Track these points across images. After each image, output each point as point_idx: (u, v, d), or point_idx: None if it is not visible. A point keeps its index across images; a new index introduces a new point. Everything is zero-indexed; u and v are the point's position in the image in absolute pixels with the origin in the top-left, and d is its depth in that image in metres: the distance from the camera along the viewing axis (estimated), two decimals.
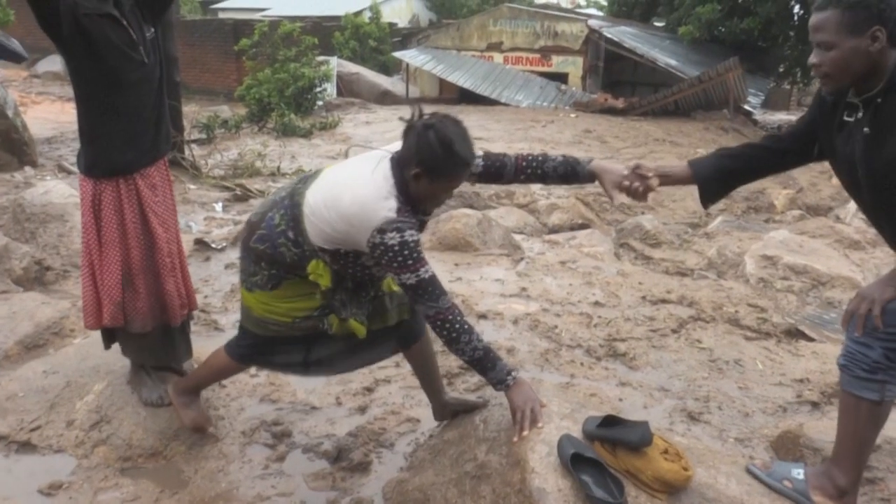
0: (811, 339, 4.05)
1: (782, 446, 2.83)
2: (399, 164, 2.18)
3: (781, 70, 19.07)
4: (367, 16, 22.65)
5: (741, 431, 3.08)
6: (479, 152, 2.42)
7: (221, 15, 27.40)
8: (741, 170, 2.36)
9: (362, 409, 3.20)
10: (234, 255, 5.28)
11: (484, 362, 2.22)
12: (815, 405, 3.31)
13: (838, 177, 2.15)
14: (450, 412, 2.66)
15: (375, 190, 2.13)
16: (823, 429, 2.72)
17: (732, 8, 17.24)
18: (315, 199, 2.23)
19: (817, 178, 9.99)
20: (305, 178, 2.39)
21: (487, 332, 3.91)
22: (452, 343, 2.19)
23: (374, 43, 21.66)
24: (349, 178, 2.23)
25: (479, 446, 2.32)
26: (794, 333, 4.12)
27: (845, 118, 2.01)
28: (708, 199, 2.40)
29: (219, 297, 4.43)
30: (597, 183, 2.48)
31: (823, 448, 2.57)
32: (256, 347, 2.57)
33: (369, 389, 3.35)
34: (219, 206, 6.98)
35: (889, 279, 2.00)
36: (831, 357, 3.71)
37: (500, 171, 2.45)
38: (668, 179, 2.42)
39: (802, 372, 3.60)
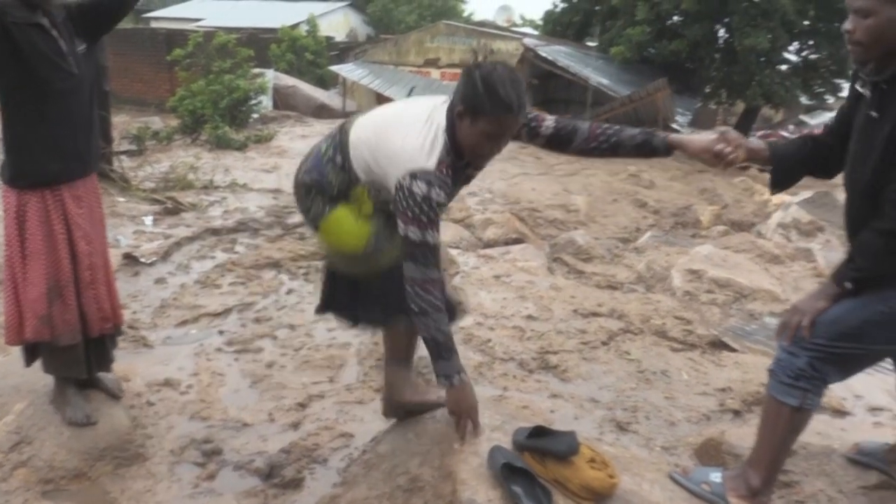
0: (733, 350, 4.22)
1: (705, 453, 2.93)
2: (451, 107, 2.19)
3: (708, 90, 19.71)
4: (304, 29, 22.57)
5: (667, 440, 3.18)
6: (535, 113, 2.41)
7: (154, 24, 26.89)
8: (811, 159, 2.31)
9: (295, 426, 3.17)
10: (164, 269, 5.17)
11: (440, 348, 2.18)
12: (736, 413, 3.44)
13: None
14: (406, 412, 2.59)
15: (425, 139, 2.14)
16: (744, 435, 2.82)
17: (661, 30, 17.80)
18: (364, 129, 2.27)
19: (741, 195, 10.40)
20: (354, 114, 2.43)
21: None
22: (420, 315, 2.15)
23: (310, 56, 21.57)
24: (405, 118, 2.23)
25: (412, 460, 2.34)
26: (718, 344, 4.27)
27: (858, 87, 2.04)
28: (777, 183, 2.37)
29: (147, 312, 4.33)
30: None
31: (744, 454, 2.66)
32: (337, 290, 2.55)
33: (302, 405, 3.33)
34: (149, 220, 6.79)
35: (820, 293, 2.09)
36: (752, 367, 3.87)
37: (570, 136, 2.39)
38: (751, 154, 2.37)
39: (725, 381, 3.74)
